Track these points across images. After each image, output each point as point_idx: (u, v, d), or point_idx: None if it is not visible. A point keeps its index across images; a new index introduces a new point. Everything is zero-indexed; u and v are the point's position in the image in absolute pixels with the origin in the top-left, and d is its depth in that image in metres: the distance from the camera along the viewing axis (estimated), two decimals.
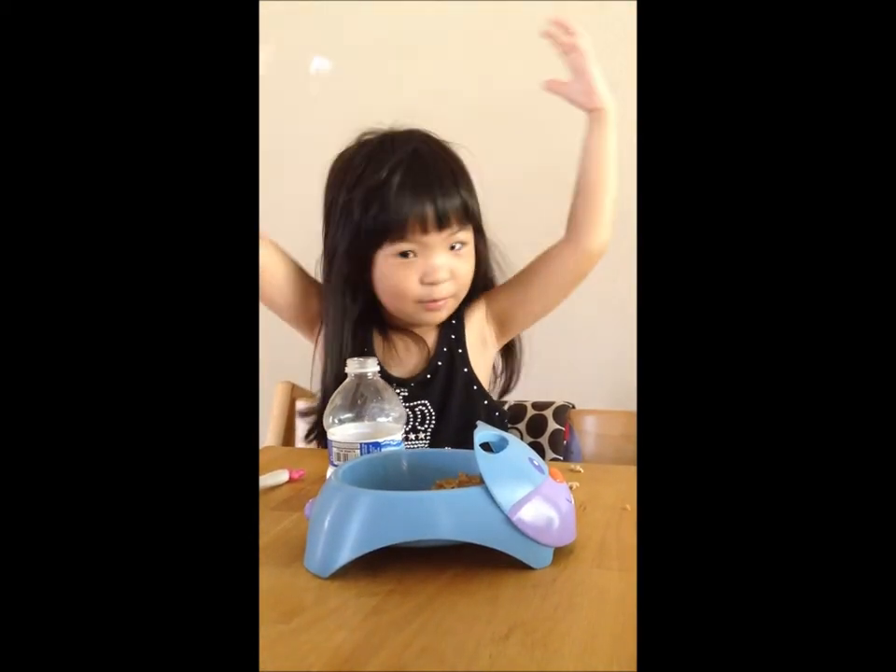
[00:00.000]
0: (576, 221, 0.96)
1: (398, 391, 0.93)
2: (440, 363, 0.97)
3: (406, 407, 0.94)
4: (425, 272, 0.90)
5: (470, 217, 0.93)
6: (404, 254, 0.90)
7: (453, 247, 0.92)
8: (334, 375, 0.91)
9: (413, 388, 0.95)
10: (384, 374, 0.84)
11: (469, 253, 0.94)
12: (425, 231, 0.88)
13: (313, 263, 0.99)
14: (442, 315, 0.95)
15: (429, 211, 0.88)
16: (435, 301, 0.92)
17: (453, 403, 0.95)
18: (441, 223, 0.89)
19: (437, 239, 0.89)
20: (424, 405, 0.95)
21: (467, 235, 0.93)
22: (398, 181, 0.89)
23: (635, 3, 0.44)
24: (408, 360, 0.98)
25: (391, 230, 0.89)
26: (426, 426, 0.94)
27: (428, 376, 0.96)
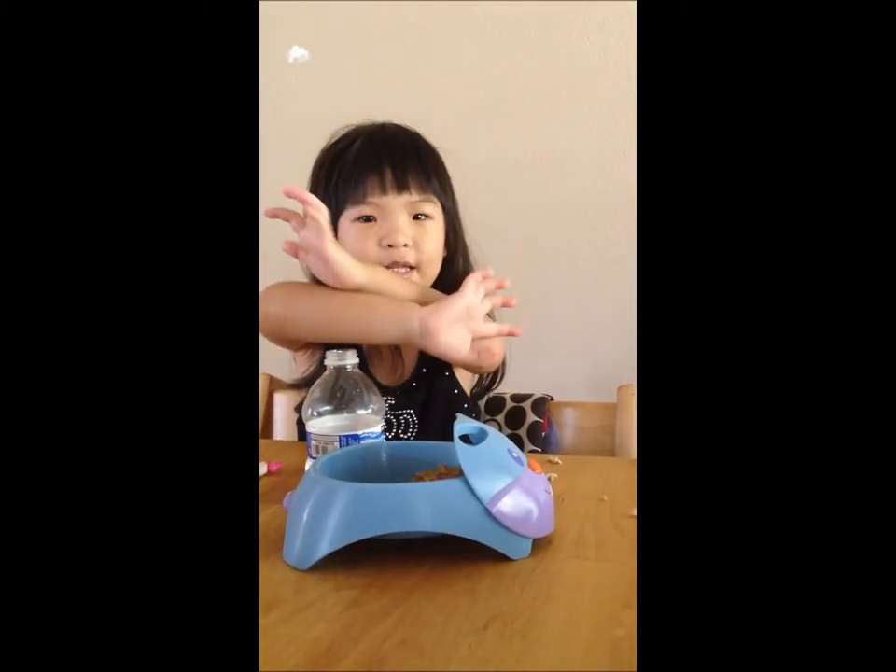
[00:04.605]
0: None
1: (383, 399, 0.92)
2: (423, 369, 0.96)
3: (391, 415, 0.94)
4: (383, 234, 0.90)
5: (435, 191, 0.93)
6: (366, 219, 0.91)
7: (417, 217, 0.92)
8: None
9: (399, 396, 0.95)
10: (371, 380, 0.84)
11: (434, 228, 0.94)
12: (384, 191, 0.89)
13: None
14: None
15: (387, 170, 0.89)
16: (394, 265, 0.91)
17: (435, 409, 0.95)
18: (400, 185, 0.89)
19: (397, 202, 0.90)
20: (408, 414, 0.95)
21: (432, 209, 0.93)
22: (357, 146, 0.91)
23: (628, 1, 0.44)
24: (391, 363, 0.97)
25: (349, 191, 0.90)
26: (408, 434, 0.94)
27: (413, 384, 0.96)
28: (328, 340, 0.88)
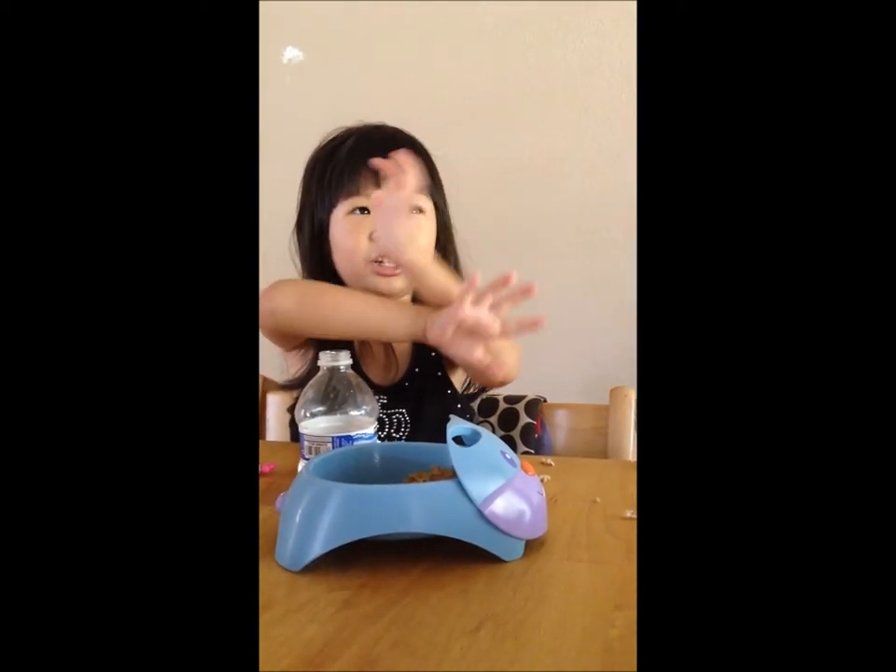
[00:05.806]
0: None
1: (376, 398, 0.92)
2: (416, 369, 0.96)
3: (384, 414, 0.94)
4: (375, 227, 0.90)
5: (428, 187, 0.93)
6: (360, 211, 0.91)
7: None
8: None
9: (392, 396, 0.95)
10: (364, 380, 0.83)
11: (426, 223, 0.93)
12: (377, 184, 0.89)
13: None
14: (396, 284, 0.93)
15: None
16: (384, 258, 0.90)
17: (428, 409, 0.95)
18: None
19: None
20: (401, 413, 0.95)
21: (425, 203, 0.93)
22: (351, 143, 0.92)
23: (624, 3, 0.44)
24: (384, 362, 0.97)
25: (343, 185, 0.90)
26: (401, 433, 0.94)
27: (406, 384, 0.96)
28: (346, 337, 0.88)
